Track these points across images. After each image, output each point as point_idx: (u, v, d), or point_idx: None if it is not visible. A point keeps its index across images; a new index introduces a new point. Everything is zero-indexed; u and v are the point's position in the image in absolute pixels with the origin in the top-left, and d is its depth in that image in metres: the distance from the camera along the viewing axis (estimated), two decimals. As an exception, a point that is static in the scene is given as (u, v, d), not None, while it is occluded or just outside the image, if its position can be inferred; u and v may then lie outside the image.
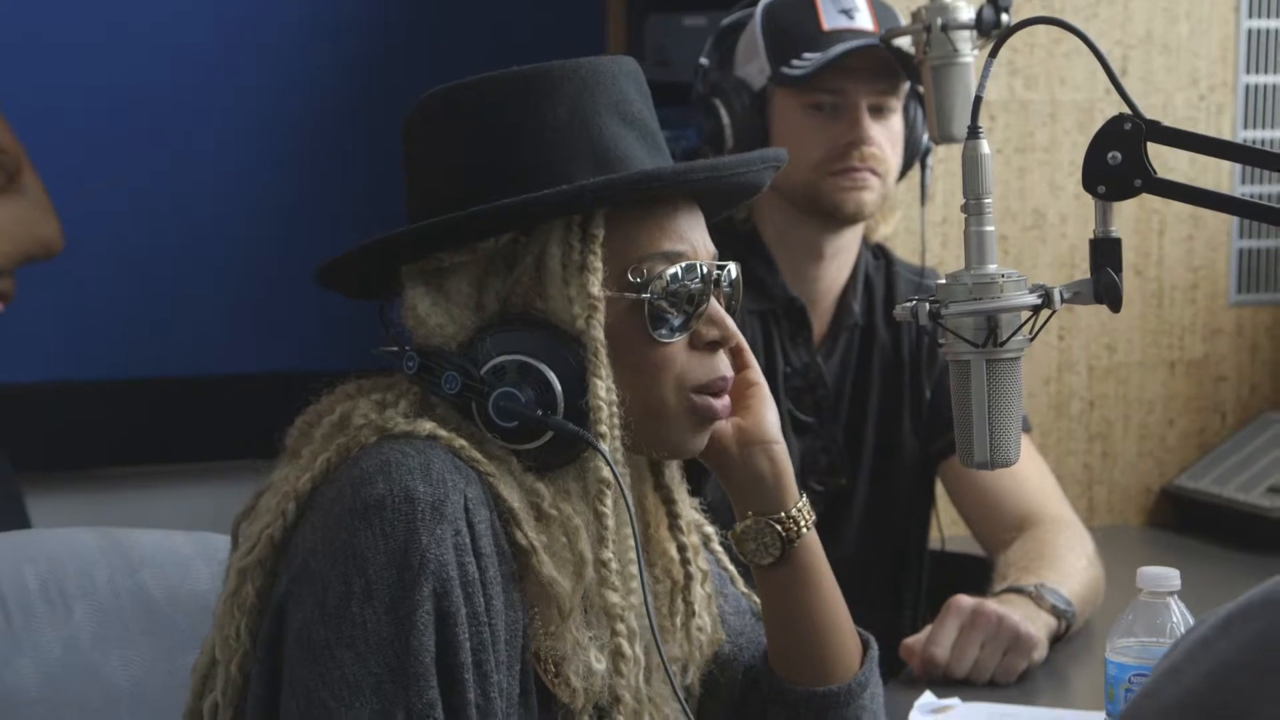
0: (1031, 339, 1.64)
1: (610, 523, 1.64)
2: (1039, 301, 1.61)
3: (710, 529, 1.87)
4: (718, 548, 1.87)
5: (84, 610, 1.90)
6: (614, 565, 1.63)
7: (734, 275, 1.75)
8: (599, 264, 1.64)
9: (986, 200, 1.65)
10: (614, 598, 1.63)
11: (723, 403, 1.72)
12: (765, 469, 1.80)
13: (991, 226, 1.65)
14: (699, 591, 1.79)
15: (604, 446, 1.62)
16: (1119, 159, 1.62)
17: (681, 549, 1.79)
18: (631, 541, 1.64)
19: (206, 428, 4.25)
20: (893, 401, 2.89)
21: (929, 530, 2.96)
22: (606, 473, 1.63)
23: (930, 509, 2.95)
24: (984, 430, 1.63)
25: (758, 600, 1.87)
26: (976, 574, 2.73)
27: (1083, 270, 3.57)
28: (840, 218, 2.76)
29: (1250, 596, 1.00)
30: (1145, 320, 3.69)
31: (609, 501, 1.64)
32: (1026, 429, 2.88)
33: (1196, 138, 1.63)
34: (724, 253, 2.74)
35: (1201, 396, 3.75)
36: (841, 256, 2.85)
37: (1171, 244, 3.69)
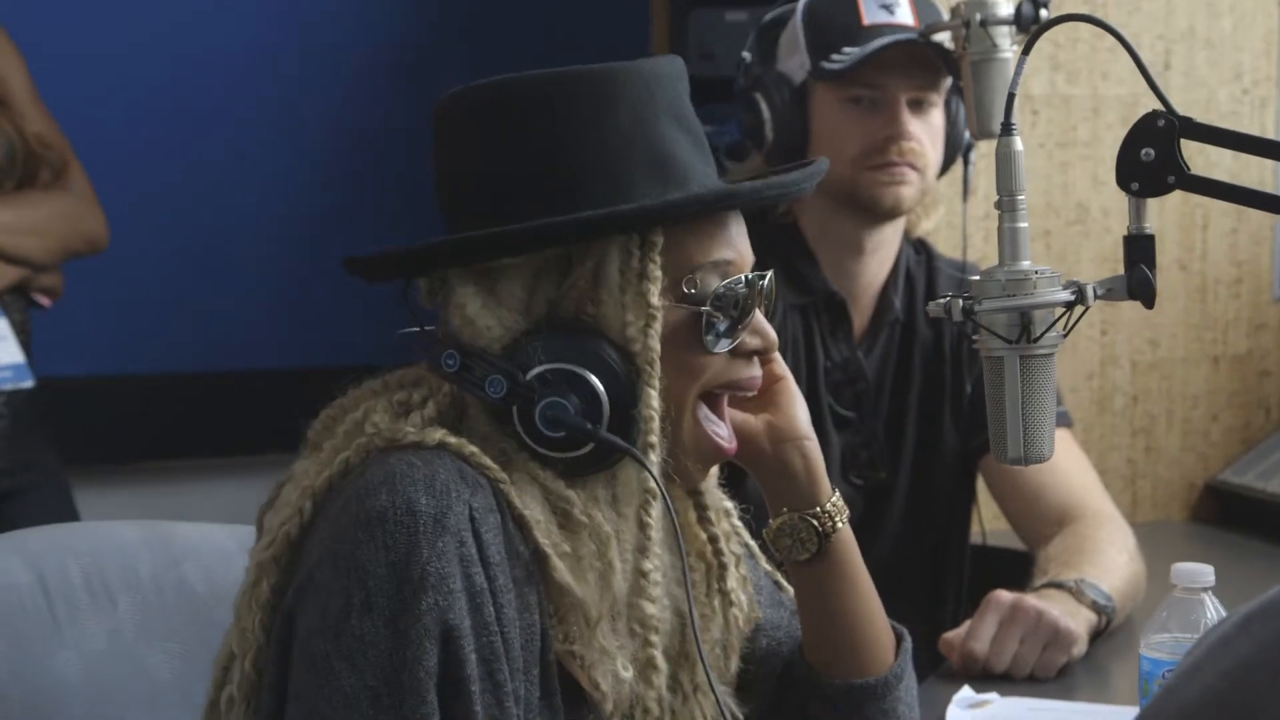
0: (1065, 335, 1.64)
1: (654, 534, 1.64)
2: (1072, 298, 1.62)
3: (729, 504, 1.85)
4: (738, 523, 1.86)
5: (127, 602, 1.91)
6: (654, 576, 1.63)
7: (771, 284, 1.74)
8: (658, 273, 1.63)
9: (1020, 197, 1.65)
10: (651, 609, 1.63)
11: (730, 445, 1.71)
12: (798, 465, 1.80)
13: (1025, 223, 1.65)
14: (734, 575, 1.80)
15: (652, 460, 1.61)
16: (1152, 155, 1.63)
17: (713, 539, 1.79)
18: (659, 558, 1.65)
19: (250, 422, 4.27)
20: (933, 396, 2.89)
21: (970, 525, 2.96)
22: (653, 484, 1.62)
23: (971, 504, 2.94)
24: (1018, 426, 1.63)
25: (791, 591, 1.87)
26: (1018, 569, 2.73)
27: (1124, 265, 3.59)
28: (878, 212, 2.76)
29: (1271, 595, 1.00)
30: (1189, 315, 3.68)
31: (654, 512, 1.63)
32: (1068, 424, 2.89)
33: (1229, 134, 1.63)
34: (765, 247, 2.76)
35: (1245, 391, 3.74)
36: (882, 251, 2.85)
37: (1215, 238, 3.68)
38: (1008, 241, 1.65)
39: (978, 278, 1.65)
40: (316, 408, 1.72)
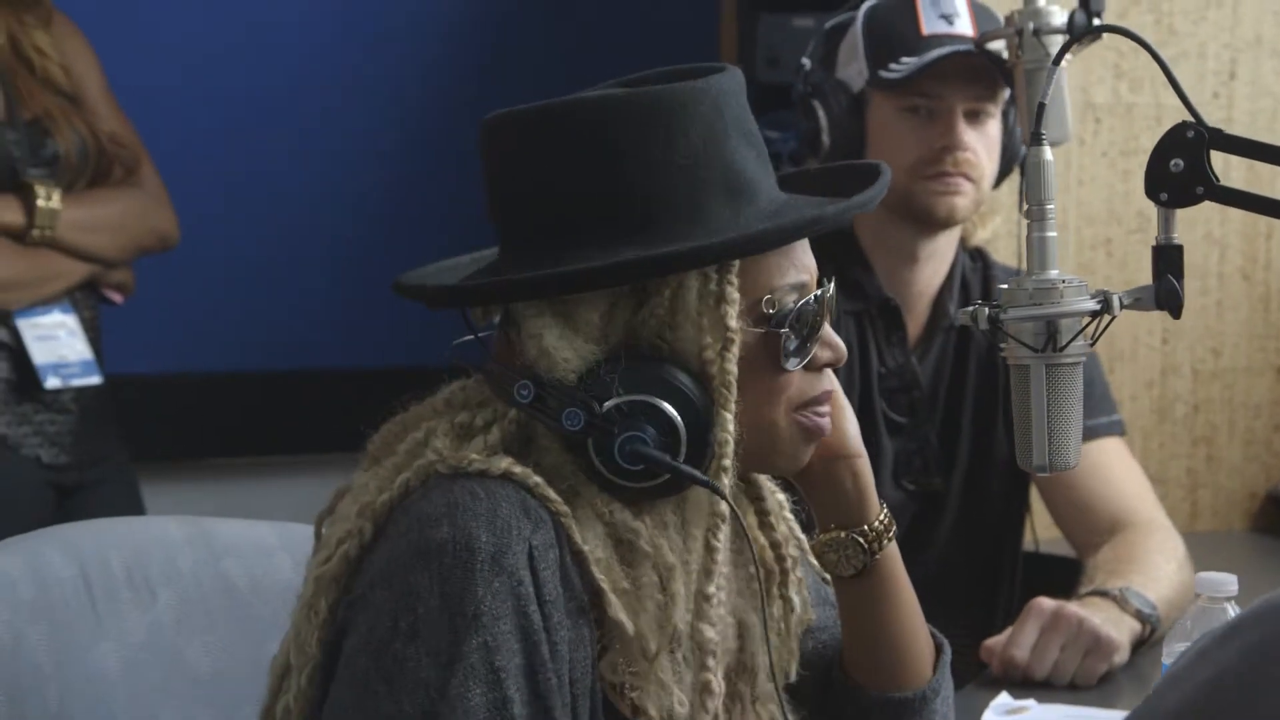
0: (1092, 344, 1.65)
1: (720, 557, 1.62)
2: (1098, 307, 1.62)
3: (782, 496, 1.83)
4: (789, 515, 1.84)
5: (168, 596, 1.93)
6: (716, 598, 1.62)
7: (834, 293, 1.71)
8: (736, 295, 1.60)
9: (1050, 206, 1.66)
10: (710, 633, 1.61)
11: (827, 420, 1.70)
12: (848, 484, 1.77)
13: (1054, 232, 1.66)
14: (793, 579, 1.79)
15: (725, 484, 1.60)
16: (1180, 166, 1.63)
17: (775, 545, 1.78)
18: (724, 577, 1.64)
19: (317, 420, 4.30)
20: (988, 404, 2.89)
21: (1023, 533, 2.95)
22: (723, 507, 1.61)
23: (1024, 511, 2.94)
24: (1043, 434, 1.64)
25: (830, 585, 1.87)
26: (1070, 577, 2.72)
27: (1188, 273, 3.56)
28: (932, 222, 2.77)
29: (1253, 607, 1.01)
30: (1252, 325, 3.67)
31: (722, 536, 1.62)
32: (1121, 433, 2.88)
33: (1258, 145, 1.64)
34: (820, 253, 2.77)
35: (1309, 402, 3.73)
36: (936, 259, 2.85)
37: (1279, 248, 3.66)
38: (1036, 251, 1.66)
39: (1005, 286, 1.66)
40: (377, 419, 1.70)
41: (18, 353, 3.14)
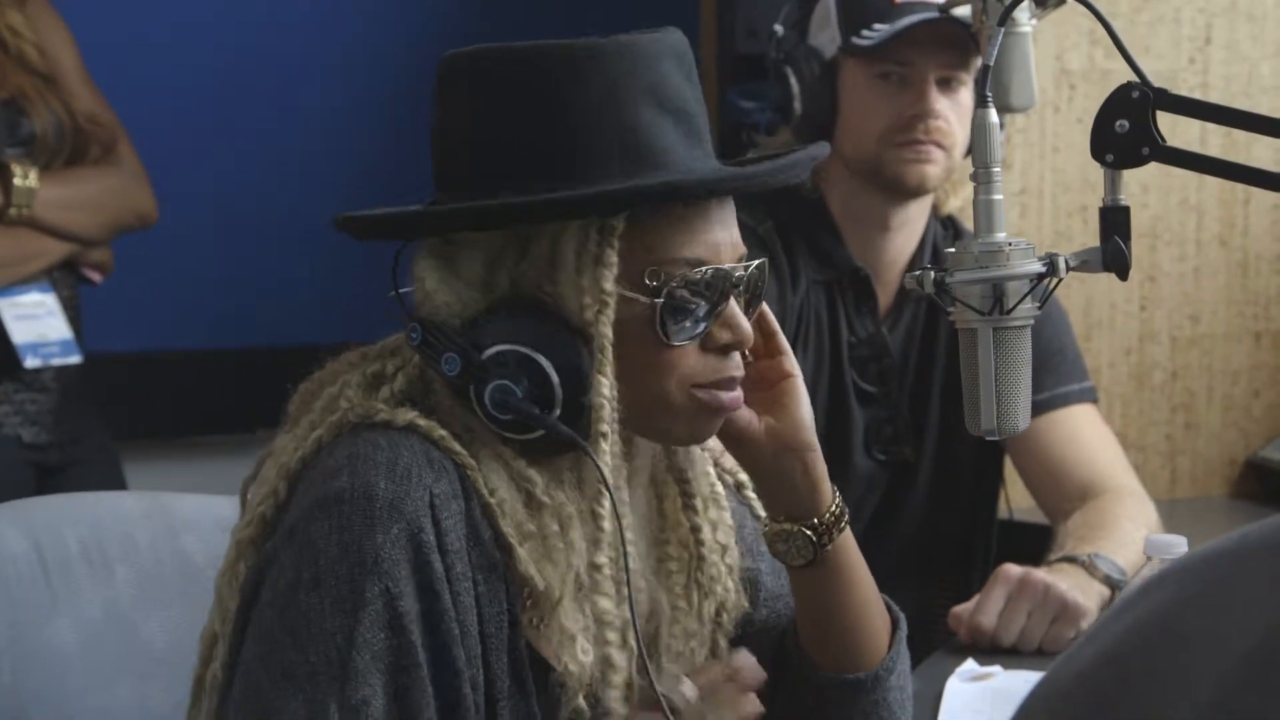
0: (1040, 307, 1.64)
1: (607, 525, 1.60)
2: (1044, 269, 1.62)
3: (744, 475, 1.83)
4: (751, 495, 1.84)
5: (124, 572, 1.93)
6: (607, 570, 1.60)
7: (757, 274, 1.68)
8: (614, 259, 1.58)
9: (995, 169, 1.66)
10: (605, 604, 1.60)
11: (731, 395, 1.65)
12: (797, 476, 1.74)
13: (1000, 195, 1.65)
14: (714, 568, 1.76)
15: (603, 450, 1.58)
16: (1127, 127, 1.63)
17: (695, 529, 1.76)
18: (628, 547, 1.62)
19: (297, 398, 4.30)
20: (959, 372, 2.87)
21: (997, 500, 2.95)
22: (607, 473, 1.59)
23: (998, 479, 2.94)
24: (990, 398, 1.64)
25: None
26: (1044, 544, 2.72)
27: (1166, 240, 3.57)
28: (903, 190, 2.76)
29: (1174, 560, 1.01)
30: (1230, 291, 3.66)
31: (606, 505, 1.60)
32: (1093, 399, 2.88)
33: (1206, 105, 1.63)
34: (790, 221, 2.76)
35: (1288, 367, 3.72)
36: (908, 228, 2.85)
37: (1257, 213, 3.65)
38: (983, 214, 1.66)
39: (952, 250, 1.65)
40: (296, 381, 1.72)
41: (-2, 332, 3.14)
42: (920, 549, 2.90)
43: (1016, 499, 2.96)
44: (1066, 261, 1.62)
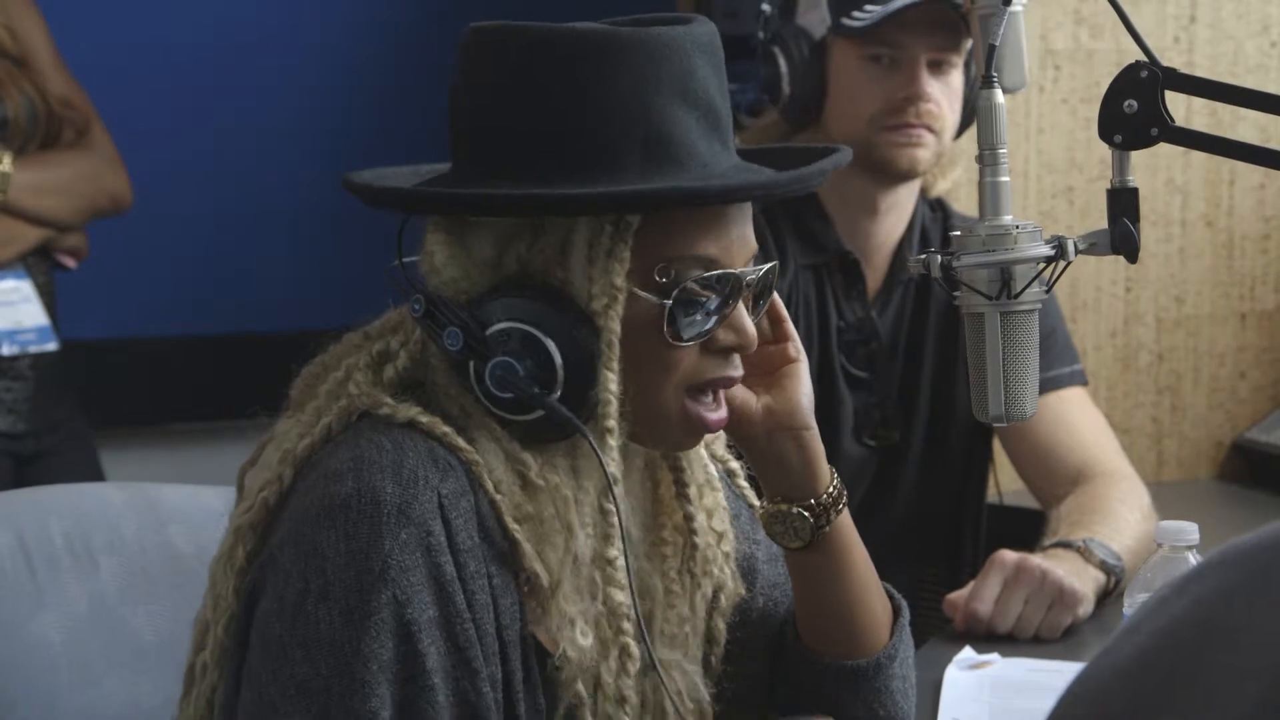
0: (1047, 290, 1.62)
1: (615, 520, 1.59)
2: (1052, 252, 1.59)
3: (736, 464, 1.82)
4: (744, 483, 1.82)
5: (110, 565, 1.90)
6: (620, 563, 1.59)
7: (768, 277, 1.66)
8: (627, 254, 1.56)
9: (1001, 150, 1.63)
10: (620, 596, 1.59)
11: (717, 416, 1.64)
12: (793, 457, 1.73)
13: (1006, 177, 1.63)
14: (708, 555, 1.75)
15: (610, 445, 1.56)
16: (1135, 107, 1.60)
17: (688, 517, 1.74)
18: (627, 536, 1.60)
19: (278, 384, 4.26)
20: (948, 356, 2.86)
21: (986, 485, 2.93)
22: (612, 468, 1.57)
23: (988, 464, 2.92)
24: (999, 383, 1.61)
25: None
26: (1035, 529, 2.70)
27: (1151, 220, 3.55)
28: (893, 173, 2.73)
29: (1209, 555, 0.98)
30: (1216, 272, 3.64)
31: (614, 498, 1.58)
32: (1084, 382, 2.86)
33: (1214, 85, 1.60)
34: (778, 206, 2.73)
35: (1274, 348, 3.70)
36: (896, 211, 2.82)
37: (1242, 194, 3.64)
38: (989, 196, 1.63)
39: (957, 233, 1.62)
40: (300, 363, 1.69)
41: (-28, 320, 3.10)
42: (910, 533, 2.87)
43: (1005, 483, 2.93)
44: (1075, 244, 1.59)
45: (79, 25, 3.77)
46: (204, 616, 1.64)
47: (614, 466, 1.57)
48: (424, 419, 1.57)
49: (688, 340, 1.60)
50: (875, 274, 2.84)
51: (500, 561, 1.56)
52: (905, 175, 2.74)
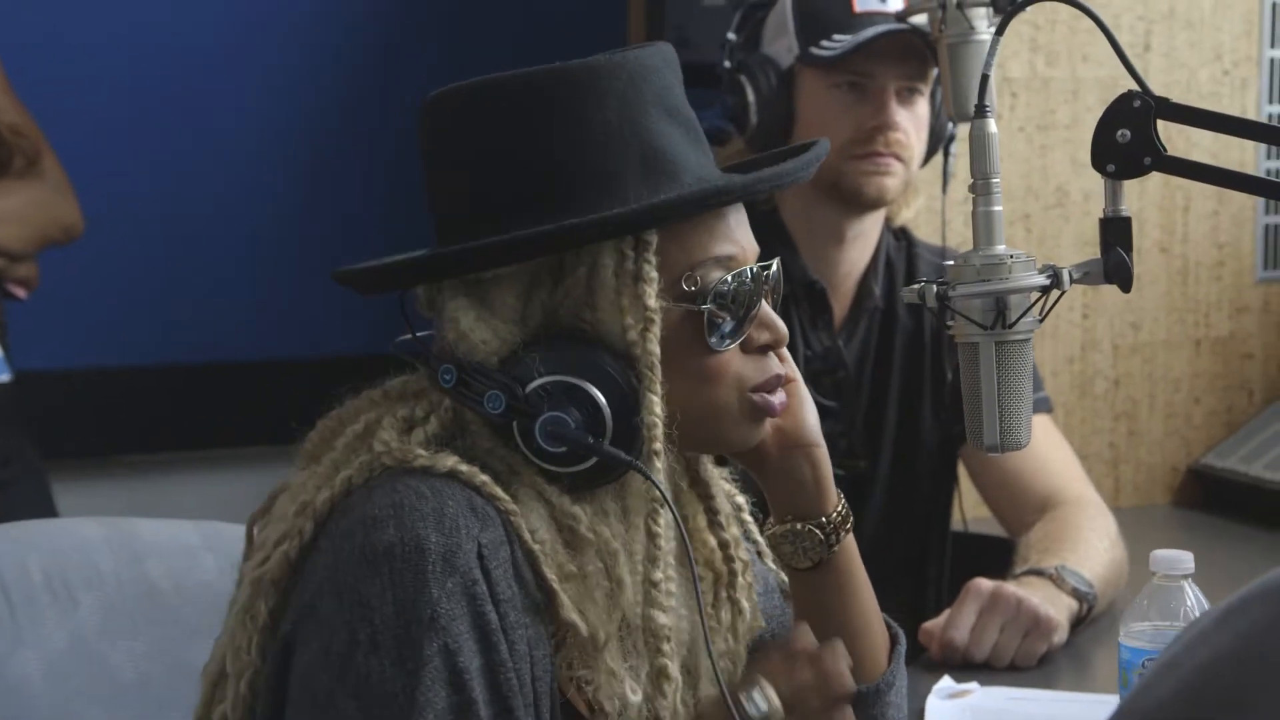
0: (1041, 320, 1.62)
1: (663, 543, 1.58)
2: (1048, 282, 1.59)
3: (741, 499, 1.80)
4: (748, 518, 1.81)
5: (89, 601, 1.88)
6: (664, 585, 1.58)
7: (778, 273, 1.69)
8: (654, 273, 1.57)
9: (995, 180, 1.63)
10: (662, 619, 1.57)
11: (780, 398, 1.66)
12: (806, 474, 1.74)
13: (999, 206, 1.63)
14: (742, 583, 1.74)
15: (657, 468, 1.56)
16: (1128, 136, 1.60)
17: (724, 545, 1.73)
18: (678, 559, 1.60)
19: (229, 415, 4.25)
20: (914, 384, 2.86)
21: (951, 513, 2.93)
22: (658, 493, 1.57)
23: (953, 492, 2.92)
24: (994, 413, 1.61)
25: (784, 576, 1.83)
26: (1000, 556, 2.70)
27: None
28: (862, 202, 2.73)
29: (1250, 588, 0.98)
30: (1171, 298, 3.66)
31: (662, 521, 1.58)
32: (1048, 409, 2.87)
33: (1206, 114, 1.61)
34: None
35: (1228, 374, 3.72)
36: (863, 240, 2.82)
37: (1197, 220, 3.66)
38: (982, 225, 1.63)
39: (951, 263, 1.62)
40: (314, 400, 1.67)
41: (-78, 352, 3.06)
42: (876, 561, 2.84)
43: (969, 509, 2.93)
44: (1070, 274, 1.59)
45: (26, 52, 3.74)
46: (218, 668, 1.61)
47: (667, 489, 1.57)
48: (464, 468, 1.55)
49: (728, 342, 1.61)
50: (841, 303, 2.83)
51: (535, 613, 1.54)
52: (874, 204, 2.74)
